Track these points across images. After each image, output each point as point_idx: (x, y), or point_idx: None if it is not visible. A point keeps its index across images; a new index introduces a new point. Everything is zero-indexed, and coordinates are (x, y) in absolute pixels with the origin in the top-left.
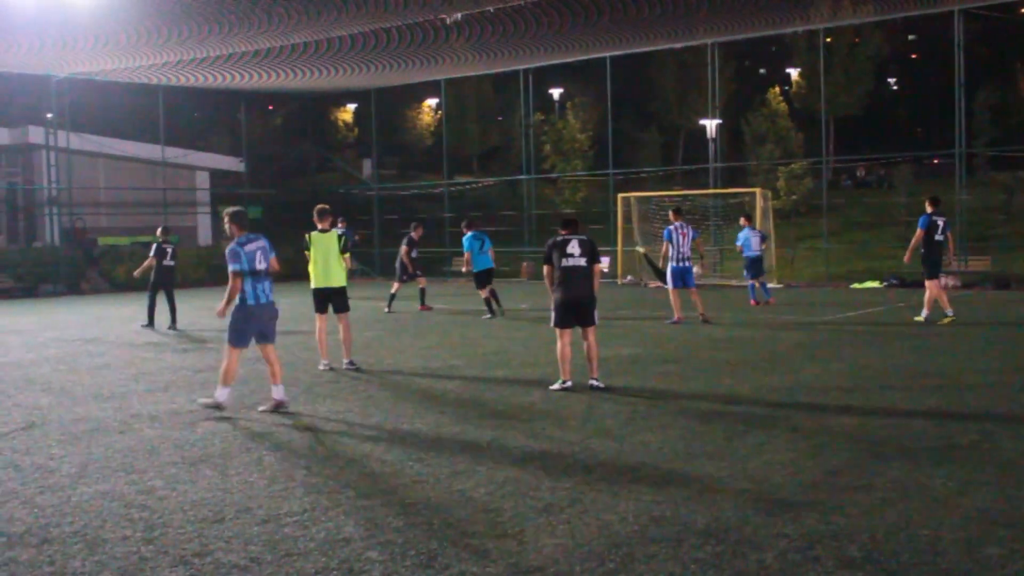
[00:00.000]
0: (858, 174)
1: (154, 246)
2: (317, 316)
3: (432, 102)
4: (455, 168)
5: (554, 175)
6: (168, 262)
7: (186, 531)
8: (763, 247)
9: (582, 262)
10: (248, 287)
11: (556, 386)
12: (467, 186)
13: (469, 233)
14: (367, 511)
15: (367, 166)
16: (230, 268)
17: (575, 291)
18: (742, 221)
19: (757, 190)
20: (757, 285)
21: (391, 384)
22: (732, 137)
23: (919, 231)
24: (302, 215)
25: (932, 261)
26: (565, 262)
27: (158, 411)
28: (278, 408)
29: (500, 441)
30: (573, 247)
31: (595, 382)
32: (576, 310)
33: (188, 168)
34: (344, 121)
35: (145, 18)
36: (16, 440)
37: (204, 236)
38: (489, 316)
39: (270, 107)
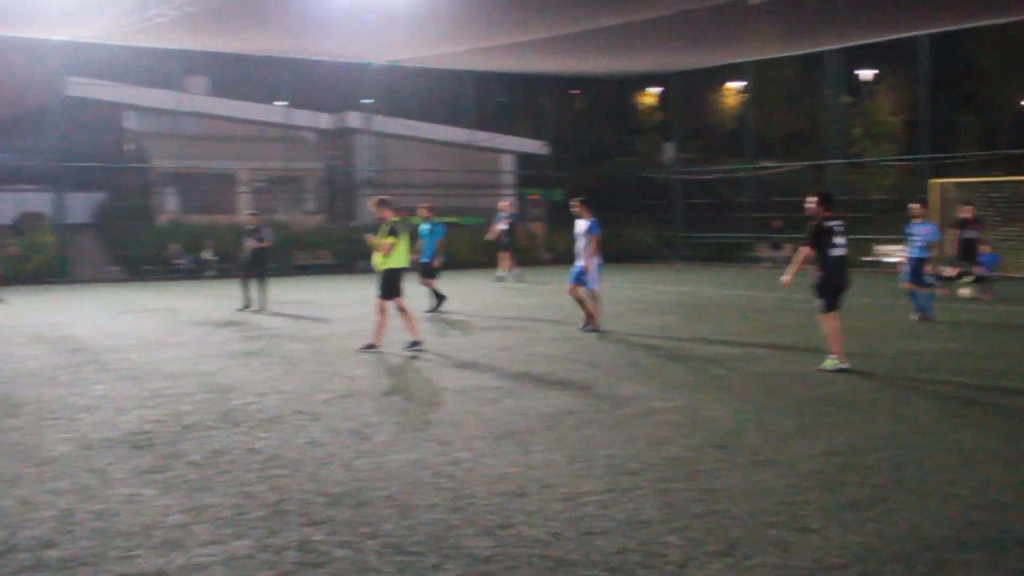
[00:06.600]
0: None
1: (265, 231)
2: (386, 301)
3: (736, 84)
4: (758, 152)
5: (863, 160)
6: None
7: (490, 503)
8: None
9: (846, 251)
10: None
11: (831, 367)
12: (771, 170)
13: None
14: (666, 495)
15: (668, 150)
16: None
17: (843, 278)
18: (917, 208)
19: None
20: (917, 291)
21: (693, 368)
22: None
23: None
24: (603, 198)
25: None
26: (833, 252)
27: (464, 385)
28: None
29: (804, 431)
30: (840, 236)
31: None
32: (842, 293)
33: (494, 151)
34: (646, 104)
35: (456, 5)
36: (336, 407)
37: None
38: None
39: (573, 91)
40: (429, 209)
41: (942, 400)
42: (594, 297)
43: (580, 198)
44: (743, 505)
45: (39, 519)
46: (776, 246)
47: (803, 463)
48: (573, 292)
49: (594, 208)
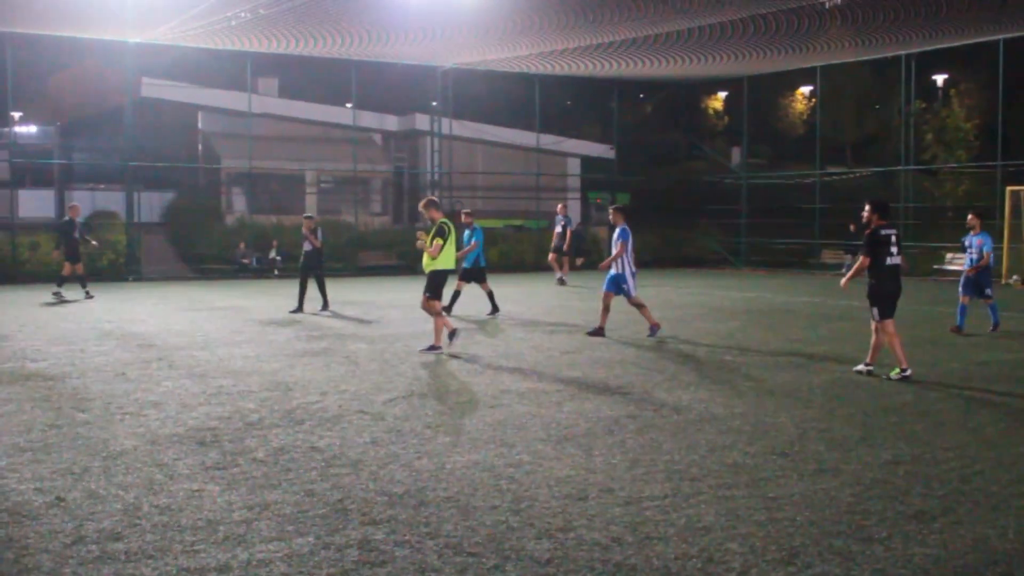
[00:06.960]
0: None
1: (319, 233)
2: (438, 302)
3: (806, 89)
4: (828, 158)
5: (935, 166)
6: (309, 247)
7: (551, 506)
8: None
9: (899, 259)
10: None
11: (896, 376)
12: (840, 176)
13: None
14: (728, 501)
15: (736, 155)
16: None
17: (896, 286)
18: (971, 219)
19: None
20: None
21: (756, 374)
22: None
23: None
24: (670, 202)
25: None
26: (889, 260)
27: (525, 388)
28: None
29: (869, 440)
30: (894, 245)
31: (866, 367)
32: (896, 301)
33: (560, 155)
34: (714, 109)
35: (525, 9)
36: (398, 407)
37: (573, 221)
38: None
39: (640, 95)
40: (468, 214)
41: (1011, 412)
42: (638, 304)
43: (615, 206)
44: (806, 513)
45: (106, 512)
46: (854, 252)
47: (867, 472)
48: (605, 299)
49: (628, 215)
